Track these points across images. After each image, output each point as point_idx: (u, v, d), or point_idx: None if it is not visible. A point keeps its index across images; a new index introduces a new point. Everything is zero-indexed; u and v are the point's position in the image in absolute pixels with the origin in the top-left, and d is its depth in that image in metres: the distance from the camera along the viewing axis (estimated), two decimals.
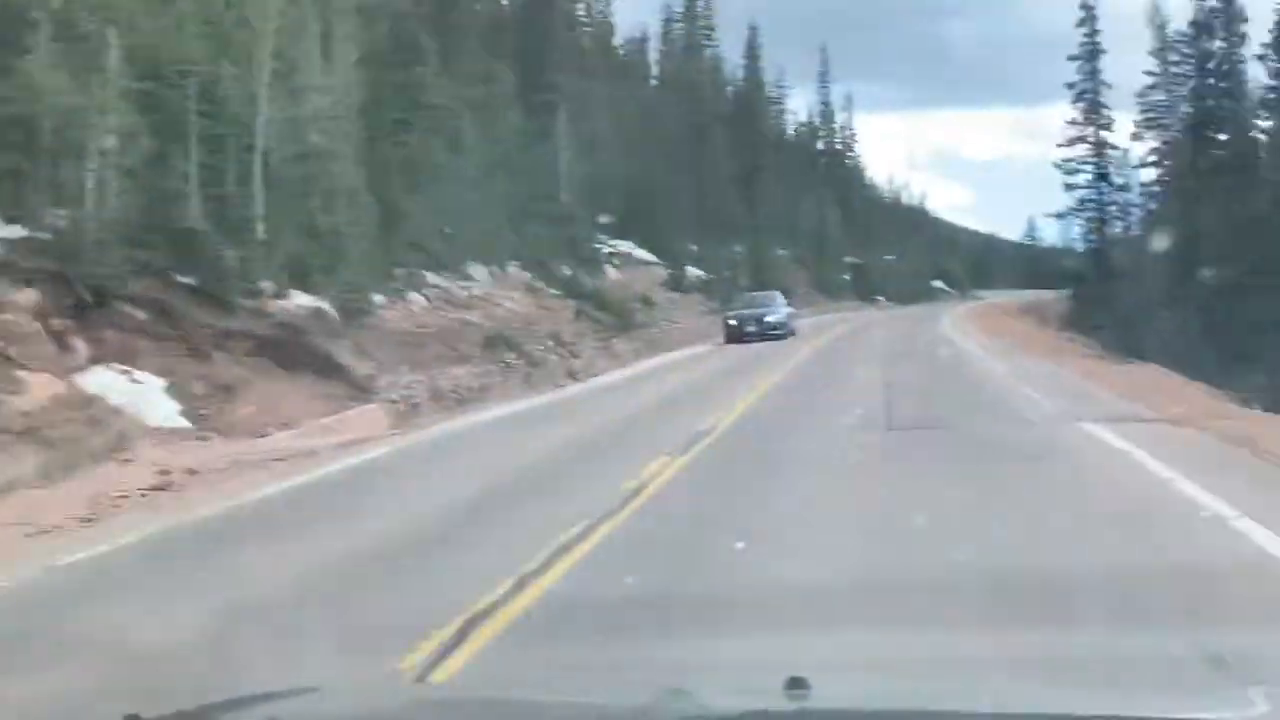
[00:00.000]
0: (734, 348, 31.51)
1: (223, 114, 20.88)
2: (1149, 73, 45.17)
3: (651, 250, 52.07)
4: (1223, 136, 40.70)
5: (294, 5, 22.91)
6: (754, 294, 40.44)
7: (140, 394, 14.92)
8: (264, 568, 7.65)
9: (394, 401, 18.47)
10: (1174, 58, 43.74)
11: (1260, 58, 40.04)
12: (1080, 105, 49.06)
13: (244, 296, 19.43)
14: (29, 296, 15.37)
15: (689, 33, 76.78)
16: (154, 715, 2.24)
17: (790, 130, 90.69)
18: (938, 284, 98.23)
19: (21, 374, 13.61)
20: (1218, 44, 40.65)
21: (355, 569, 7.51)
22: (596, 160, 48.69)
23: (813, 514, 8.50)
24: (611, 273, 43.87)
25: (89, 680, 5.32)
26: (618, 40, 76.24)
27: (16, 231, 16.82)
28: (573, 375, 26.80)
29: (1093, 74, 48.69)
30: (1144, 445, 10.30)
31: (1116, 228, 49.96)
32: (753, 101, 76.16)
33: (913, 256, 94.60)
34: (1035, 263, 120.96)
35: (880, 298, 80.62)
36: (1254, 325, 28.51)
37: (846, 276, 79.09)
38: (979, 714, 2.26)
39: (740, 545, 7.14)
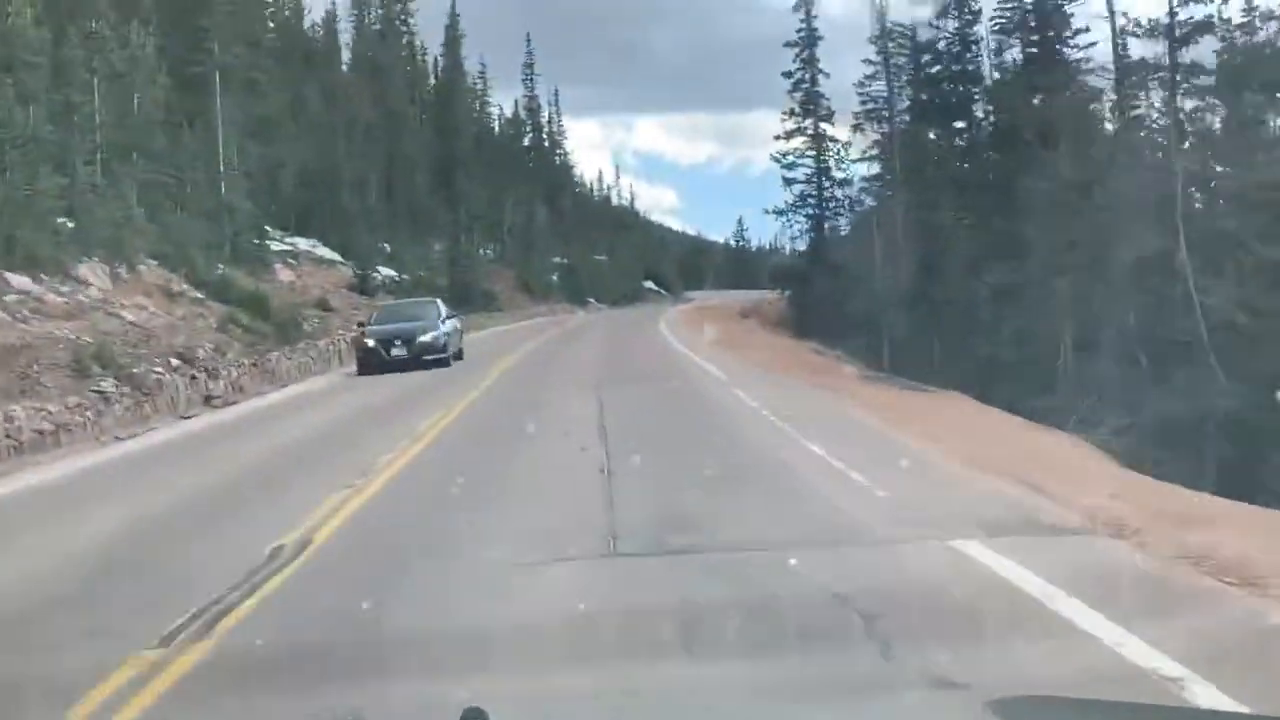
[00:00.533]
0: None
1: None
2: (868, 60, 43.15)
3: (336, 249, 46.33)
4: (960, 124, 38.55)
5: None
6: (401, 304, 29.78)
7: None
8: None
9: None
10: (893, 46, 41.70)
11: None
12: (798, 95, 46.76)
13: None
14: None
15: (386, 15, 71.18)
16: None
17: (495, 125, 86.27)
18: (649, 285, 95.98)
19: None
20: (951, 25, 38.35)
21: None
22: (270, 146, 42.66)
23: None
24: (284, 273, 37.98)
25: None
26: (309, 24, 69.86)
27: None
28: (209, 401, 21.40)
29: (810, 62, 46.49)
30: (1108, 602, 5.36)
31: (840, 223, 48.00)
32: (452, 91, 70.88)
33: (623, 257, 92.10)
34: (745, 263, 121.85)
35: (591, 300, 77.26)
36: (1020, 334, 25.68)
37: (555, 277, 75.28)
38: None
39: None
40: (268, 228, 42.68)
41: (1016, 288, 25.62)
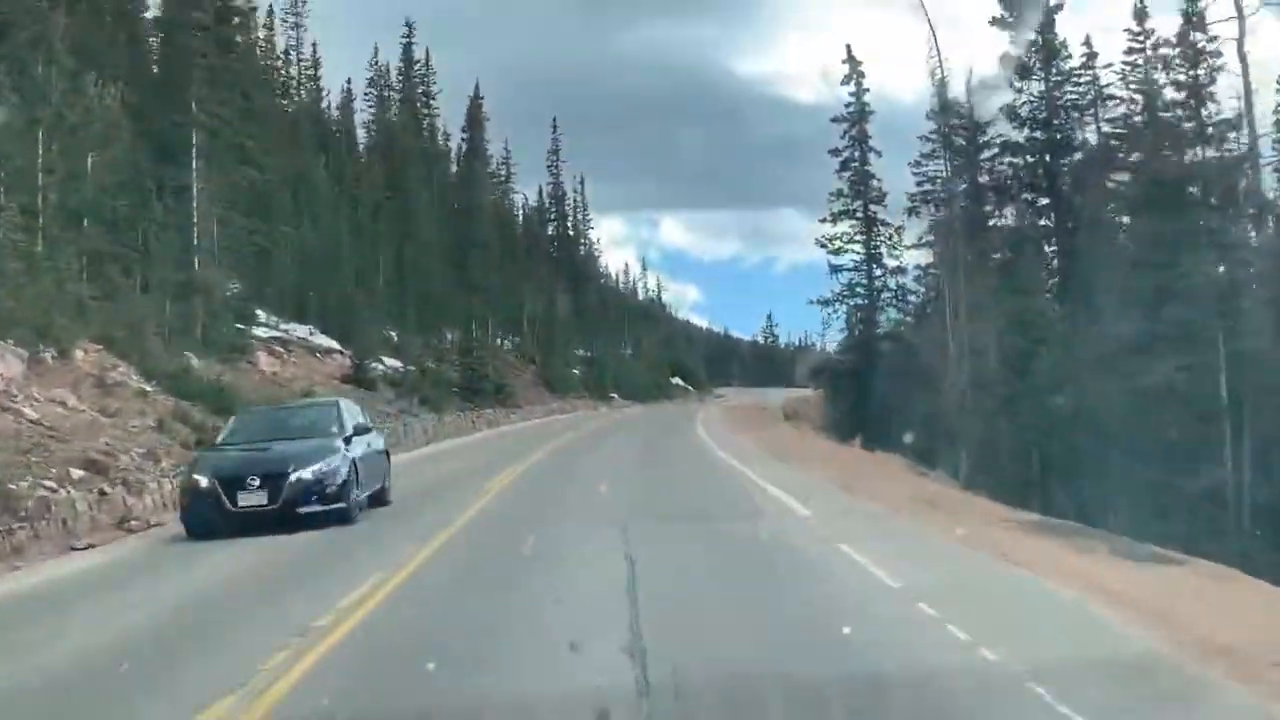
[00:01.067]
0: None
1: None
2: (925, 137, 38.41)
3: (336, 336, 41.74)
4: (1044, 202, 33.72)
5: None
6: (277, 410, 18.34)
7: None
8: None
9: None
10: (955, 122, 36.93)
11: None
12: (846, 174, 42.17)
13: None
14: None
15: (406, 96, 67.62)
16: None
17: (519, 211, 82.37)
18: (676, 381, 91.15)
19: None
20: (1035, 86, 33.67)
21: None
22: (266, 222, 38.36)
23: None
24: (266, 362, 33.31)
25: None
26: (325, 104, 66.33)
27: None
28: (124, 524, 16.54)
29: (860, 139, 41.89)
30: None
31: (892, 314, 43.11)
32: (472, 173, 66.72)
33: (648, 351, 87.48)
34: (773, 360, 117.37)
35: (615, 395, 72.53)
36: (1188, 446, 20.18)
37: (577, 371, 70.57)
38: None
39: None
40: (259, 311, 38.28)
41: (1173, 387, 20.43)
